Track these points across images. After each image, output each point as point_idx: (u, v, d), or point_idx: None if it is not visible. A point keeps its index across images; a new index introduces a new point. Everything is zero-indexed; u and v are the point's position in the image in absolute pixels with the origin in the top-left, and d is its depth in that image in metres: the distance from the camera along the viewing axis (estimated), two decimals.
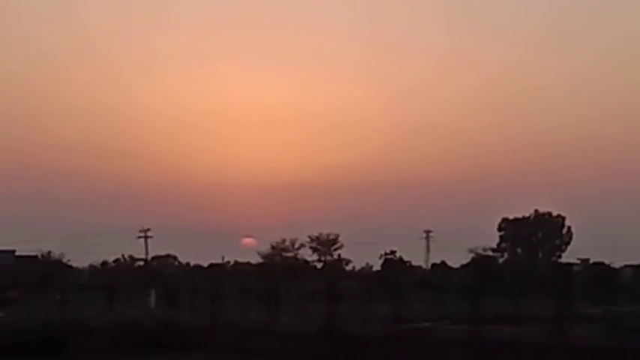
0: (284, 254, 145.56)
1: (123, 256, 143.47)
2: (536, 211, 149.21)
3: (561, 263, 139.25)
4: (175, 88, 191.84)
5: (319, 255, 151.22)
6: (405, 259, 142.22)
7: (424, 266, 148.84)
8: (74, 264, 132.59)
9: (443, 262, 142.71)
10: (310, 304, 64.33)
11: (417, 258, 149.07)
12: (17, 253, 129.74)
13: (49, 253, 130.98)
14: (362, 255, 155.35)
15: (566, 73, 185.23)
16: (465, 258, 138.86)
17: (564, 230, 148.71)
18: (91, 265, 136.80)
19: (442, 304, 66.17)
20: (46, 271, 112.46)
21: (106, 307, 69.35)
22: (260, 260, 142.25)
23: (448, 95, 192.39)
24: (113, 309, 68.99)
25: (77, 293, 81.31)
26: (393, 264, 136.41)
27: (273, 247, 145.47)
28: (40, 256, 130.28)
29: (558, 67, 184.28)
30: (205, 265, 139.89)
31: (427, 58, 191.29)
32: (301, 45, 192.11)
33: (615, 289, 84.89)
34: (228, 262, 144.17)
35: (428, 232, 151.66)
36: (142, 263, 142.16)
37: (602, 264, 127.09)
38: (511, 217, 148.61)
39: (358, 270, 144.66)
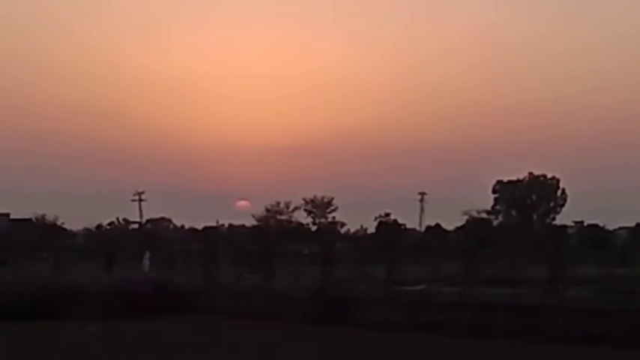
0: (278, 217, 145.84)
1: (117, 219, 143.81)
2: (530, 173, 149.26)
3: (556, 225, 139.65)
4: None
5: (314, 218, 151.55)
6: (400, 221, 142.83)
7: (418, 229, 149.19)
8: (68, 227, 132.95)
9: (437, 225, 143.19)
10: (304, 267, 64.29)
11: (411, 220, 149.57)
12: (12, 217, 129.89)
13: (43, 216, 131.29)
14: (356, 217, 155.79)
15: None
16: (460, 220, 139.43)
17: (559, 192, 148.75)
18: (85, 228, 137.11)
19: (436, 267, 66.10)
20: (41, 235, 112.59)
21: (100, 271, 69.26)
22: (254, 223, 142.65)
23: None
24: (108, 272, 68.91)
25: (71, 256, 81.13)
26: (388, 226, 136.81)
27: (267, 210, 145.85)
28: (34, 220, 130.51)
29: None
30: (200, 227, 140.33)
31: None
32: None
33: (610, 251, 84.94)
34: (223, 224, 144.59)
35: (422, 194, 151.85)
36: (136, 226, 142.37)
37: (596, 226, 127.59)
38: (505, 179, 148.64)
39: (353, 232, 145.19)
